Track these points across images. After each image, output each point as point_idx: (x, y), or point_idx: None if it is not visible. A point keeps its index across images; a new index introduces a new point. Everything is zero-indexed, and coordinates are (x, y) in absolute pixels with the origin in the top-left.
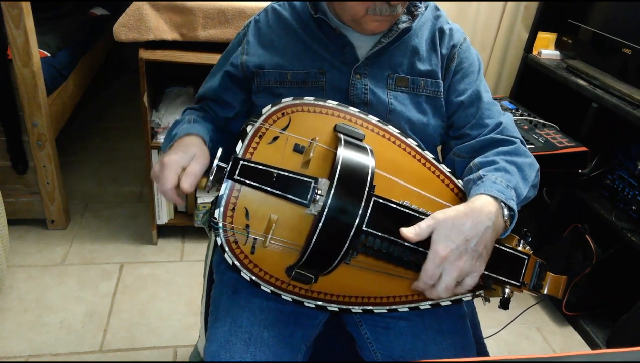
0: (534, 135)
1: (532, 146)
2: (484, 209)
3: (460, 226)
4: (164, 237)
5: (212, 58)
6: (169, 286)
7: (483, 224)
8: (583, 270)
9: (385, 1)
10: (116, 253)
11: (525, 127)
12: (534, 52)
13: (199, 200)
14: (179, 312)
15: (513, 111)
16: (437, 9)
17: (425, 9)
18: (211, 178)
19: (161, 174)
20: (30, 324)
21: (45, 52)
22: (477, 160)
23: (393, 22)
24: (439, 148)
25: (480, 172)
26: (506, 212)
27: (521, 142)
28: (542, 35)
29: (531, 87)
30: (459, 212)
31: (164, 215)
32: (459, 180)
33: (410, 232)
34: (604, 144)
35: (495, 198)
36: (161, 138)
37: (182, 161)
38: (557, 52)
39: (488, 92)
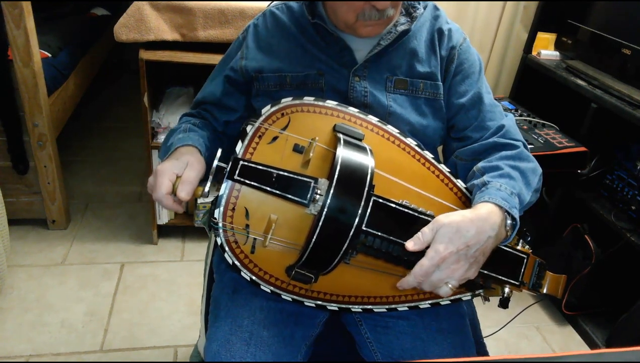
0: (534, 135)
1: (532, 146)
2: (489, 219)
3: (465, 232)
4: (164, 237)
5: (212, 58)
6: (169, 286)
7: (486, 233)
8: (583, 270)
9: (373, 7)
10: (116, 253)
11: (525, 127)
12: (534, 53)
13: (199, 200)
14: (179, 312)
15: (513, 111)
16: (436, 8)
17: (424, 9)
18: (207, 188)
19: (155, 182)
20: (31, 324)
21: (46, 52)
22: (481, 164)
23: (388, 25)
24: (440, 148)
25: (485, 178)
26: (509, 221)
27: (524, 145)
28: (541, 36)
29: (531, 87)
30: (465, 217)
31: (164, 215)
32: (459, 180)
33: (409, 244)
34: (604, 144)
35: (500, 206)
36: (161, 138)
37: (175, 168)
38: (557, 53)
39: (489, 93)
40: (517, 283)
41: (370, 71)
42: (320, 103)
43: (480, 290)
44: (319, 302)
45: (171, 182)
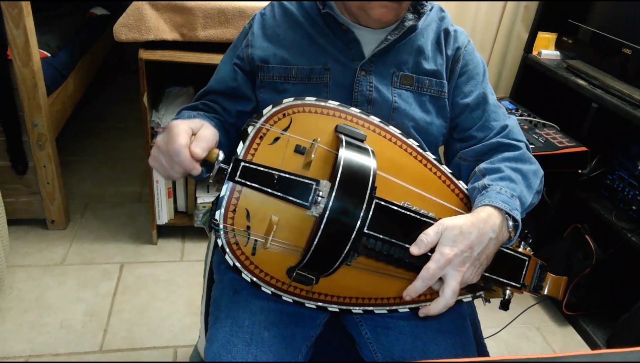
0: (534, 135)
1: (533, 146)
2: (489, 221)
3: (467, 234)
4: (164, 237)
5: (212, 58)
6: (169, 286)
7: (487, 235)
8: (583, 270)
9: None
10: (116, 253)
11: (525, 127)
12: (534, 52)
13: (199, 200)
14: (179, 312)
15: (513, 111)
16: (442, 10)
17: (431, 10)
18: (221, 153)
19: (169, 134)
20: (30, 324)
21: (45, 52)
22: (482, 166)
23: (400, 13)
24: (441, 149)
25: (485, 181)
26: (510, 223)
27: (526, 146)
28: (542, 35)
29: (531, 87)
30: (467, 220)
31: (164, 215)
32: (460, 182)
33: (414, 249)
34: (604, 144)
35: (500, 209)
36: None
37: (190, 123)
38: (557, 52)
39: (493, 95)
40: (518, 285)
41: (377, 66)
42: (322, 103)
43: (481, 292)
44: (320, 304)
45: (188, 135)
